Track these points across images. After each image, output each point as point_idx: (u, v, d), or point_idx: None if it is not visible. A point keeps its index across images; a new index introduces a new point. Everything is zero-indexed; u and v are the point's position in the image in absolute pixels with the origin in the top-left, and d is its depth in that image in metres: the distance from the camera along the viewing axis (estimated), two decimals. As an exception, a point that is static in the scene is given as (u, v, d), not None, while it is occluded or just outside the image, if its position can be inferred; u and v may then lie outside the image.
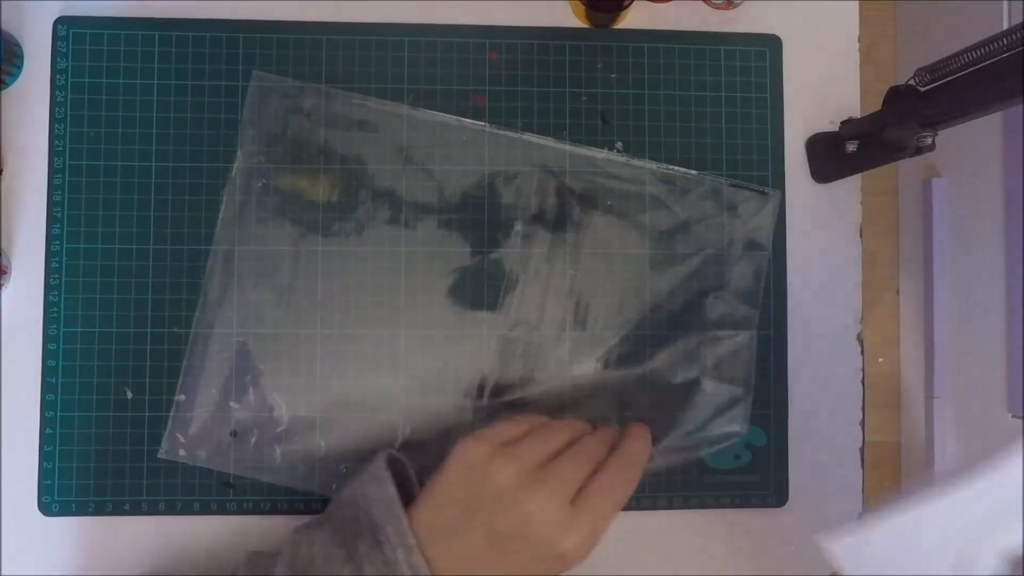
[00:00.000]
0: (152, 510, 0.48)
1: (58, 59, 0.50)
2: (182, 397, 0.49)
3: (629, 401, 0.48)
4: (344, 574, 0.36)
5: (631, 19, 0.52)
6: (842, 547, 0.36)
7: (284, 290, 0.49)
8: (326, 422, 0.49)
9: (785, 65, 0.53)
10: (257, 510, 0.49)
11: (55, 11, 0.50)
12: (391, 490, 0.38)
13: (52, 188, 0.49)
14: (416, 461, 0.43)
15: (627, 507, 0.49)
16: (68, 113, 0.50)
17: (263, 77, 0.49)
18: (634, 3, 0.49)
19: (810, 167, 0.52)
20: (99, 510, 0.48)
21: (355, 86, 0.51)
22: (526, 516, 0.36)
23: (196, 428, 0.48)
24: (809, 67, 0.53)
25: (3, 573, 0.48)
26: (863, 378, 0.53)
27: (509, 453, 0.39)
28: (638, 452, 0.42)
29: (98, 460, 0.48)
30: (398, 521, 0.37)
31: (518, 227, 0.50)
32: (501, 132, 0.50)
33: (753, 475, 0.51)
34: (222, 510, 0.48)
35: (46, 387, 0.49)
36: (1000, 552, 0.32)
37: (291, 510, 0.49)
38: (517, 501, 0.37)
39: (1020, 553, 0.31)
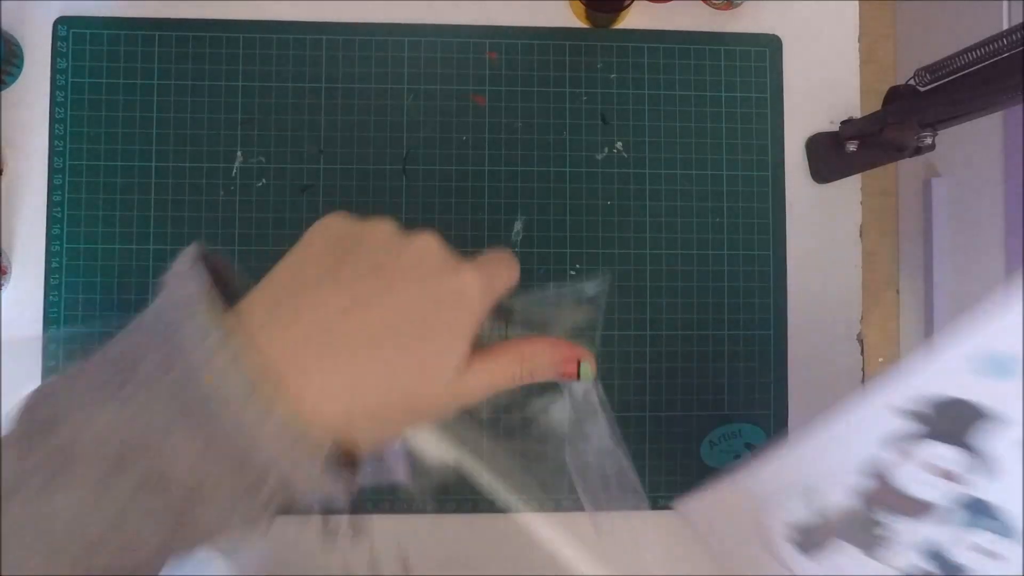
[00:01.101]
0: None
1: (58, 59, 0.50)
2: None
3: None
4: (119, 401, 0.23)
5: (631, 19, 0.52)
6: (688, 507, 0.41)
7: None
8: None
9: (785, 65, 0.53)
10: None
11: (55, 11, 0.50)
12: (200, 278, 0.25)
13: (52, 188, 0.49)
14: None
15: (627, 507, 0.50)
16: (68, 113, 0.50)
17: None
18: (634, 3, 0.49)
19: (810, 167, 0.52)
20: (99, 510, 0.48)
21: (355, 86, 0.51)
22: (412, 251, 0.27)
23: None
24: (809, 67, 0.53)
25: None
26: (863, 378, 0.53)
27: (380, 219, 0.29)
28: (512, 258, 0.29)
29: (98, 460, 0.48)
30: (203, 314, 0.23)
31: None
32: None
33: (753, 475, 0.51)
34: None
35: (46, 387, 0.49)
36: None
37: (291, 510, 0.49)
38: (399, 242, 0.27)
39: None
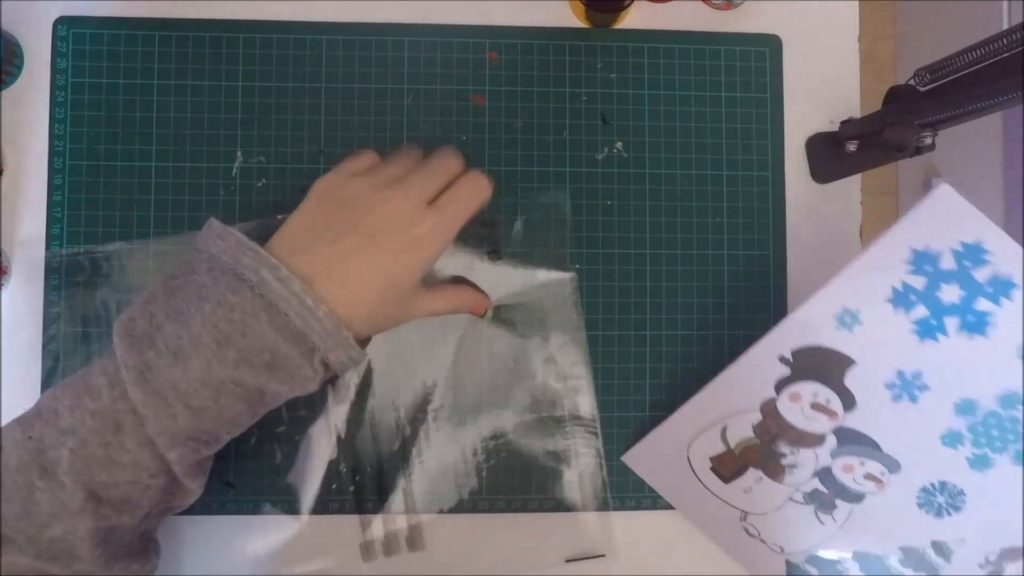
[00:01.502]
0: (152, 510, 0.48)
1: (58, 59, 0.50)
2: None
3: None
4: (205, 310, 0.34)
5: (631, 19, 0.52)
6: (632, 457, 0.49)
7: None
8: (327, 427, 0.49)
9: (785, 65, 0.53)
10: (257, 510, 0.49)
11: (55, 11, 0.50)
12: (238, 235, 0.37)
13: (52, 188, 0.49)
14: None
15: (627, 507, 0.50)
16: (68, 113, 0.50)
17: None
18: (634, 3, 0.49)
19: (810, 167, 0.52)
20: (99, 510, 0.48)
21: (355, 86, 0.51)
22: (384, 212, 0.38)
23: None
24: (809, 67, 0.53)
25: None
26: (863, 378, 0.53)
27: (362, 174, 0.40)
28: (483, 179, 0.43)
29: (98, 460, 0.48)
30: (254, 252, 0.36)
31: None
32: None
33: (753, 475, 0.51)
34: (222, 510, 0.48)
35: (46, 387, 0.48)
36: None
37: (291, 511, 0.49)
38: (374, 203, 0.38)
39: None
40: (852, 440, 0.43)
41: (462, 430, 0.50)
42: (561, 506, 0.50)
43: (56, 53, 0.50)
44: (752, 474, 0.46)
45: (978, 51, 0.38)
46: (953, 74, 0.40)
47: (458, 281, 0.49)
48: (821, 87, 0.53)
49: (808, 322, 0.42)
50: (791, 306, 0.52)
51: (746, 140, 0.52)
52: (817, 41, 0.53)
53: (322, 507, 0.49)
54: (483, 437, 0.50)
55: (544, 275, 0.50)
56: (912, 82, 0.42)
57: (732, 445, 0.46)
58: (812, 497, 0.46)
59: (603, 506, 0.50)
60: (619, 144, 0.51)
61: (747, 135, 0.52)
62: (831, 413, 0.43)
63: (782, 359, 0.43)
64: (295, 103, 0.50)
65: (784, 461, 0.45)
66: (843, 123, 0.50)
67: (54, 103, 0.50)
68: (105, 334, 0.49)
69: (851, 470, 0.44)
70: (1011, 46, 0.36)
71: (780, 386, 0.44)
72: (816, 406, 0.43)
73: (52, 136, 0.50)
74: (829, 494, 0.45)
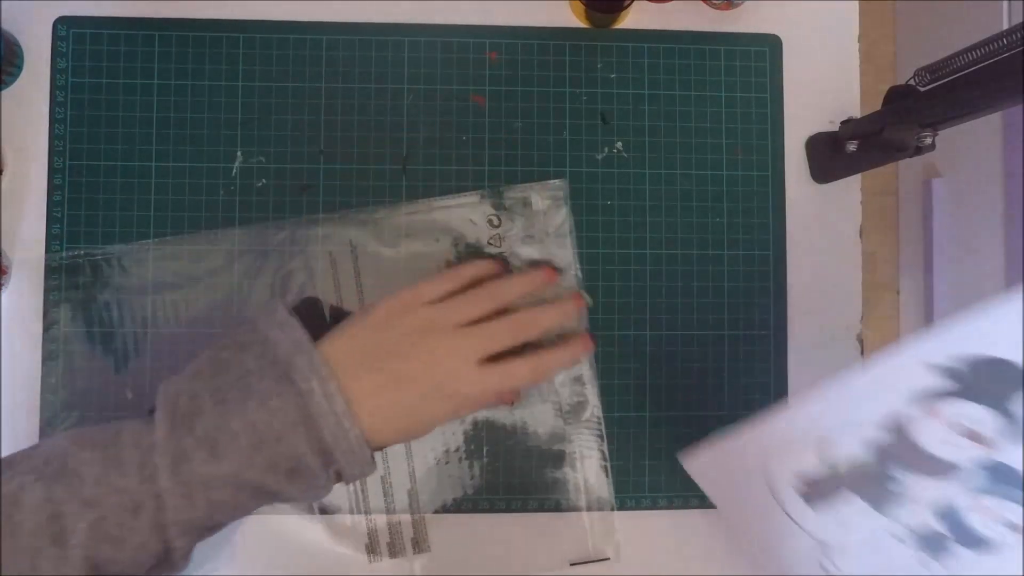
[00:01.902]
0: (152, 510, 0.48)
1: (58, 59, 0.50)
2: (182, 397, 0.49)
3: None
4: (248, 409, 0.34)
5: (631, 19, 0.52)
6: (691, 458, 0.43)
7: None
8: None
9: (785, 65, 0.53)
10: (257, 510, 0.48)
11: (55, 11, 0.50)
12: (300, 330, 0.37)
13: (52, 188, 0.49)
14: None
15: (627, 507, 0.50)
16: (68, 113, 0.50)
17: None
18: (634, 3, 0.49)
19: (810, 167, 0.52)
20: (99, 510, 0.48)
21: (355, 86, 0.51)
22: (431, 361, 0.39)
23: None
24: (809, 67, 0.53)
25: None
26: (863, 378, 0.53)
27: (426, 308, 0.41)
28: (548, 363, 0.43)
29: (98, 460, 0.48)
30: (309, 355, 0.36)
31: None
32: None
33: (753, 475, 0.51)
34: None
35: (46, 387, 0.48)
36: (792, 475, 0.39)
37: (291, 511, 0.49)
38: (427, 346, 0.39)
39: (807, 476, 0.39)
40: (1004, 479, 0.34)
41: (466, 429, 0.50)
42: (564, 506, 0.50)
43: (56, 53, 0.50)
44: (850, 500, 0.38)
45: (978, 51, 0.38)
46: (953, 74, 0.40)
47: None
48: (821, 87, 0.53)
49: (984, 327, 0.32)
50: (791, 306, 0.52)
51: (746, 140, 0.52)
52: (817, 41, 0.53)
53: (326, 507, 0.49)
54: (486, 437, 0.50)
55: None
56: (912, 82, 0.42)
57: (831, 463, 0.39)
58: (922, 537, 0.37)
59: (606, 507, 0.50)
60: (619, 144, 0.51)
61: (747, 135, 0.52)
62: (983, 441, 0.34)
63: (933, 367, 0.34)
64: (295, 103, 0.50)
65: (892, 488, 0.37)
66: (843, 123, 0.50)
67: (54, 103, 0.50)
68: (138, 385, 0.48)
69: (990, 514, 0.35)
70: (1011, 46, 0.36)
71: (920, 400, 0.35)
72: (965, 430, 0.35)
73: (52, 136, 0.50)
74: (948, 537, 0.36)
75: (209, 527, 0.36)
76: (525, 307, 0.44)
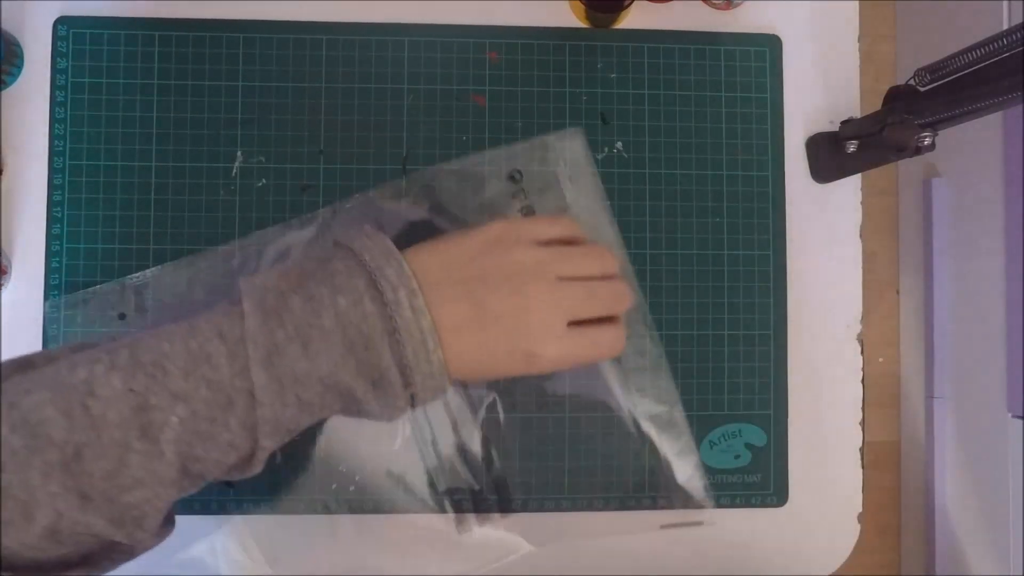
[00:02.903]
0: (152, 510, 0.48)
1: (58, 59, 0.50)
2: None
3: None
4: (339, 305, 0.33)
5: (631, 19, 0.52)
6: None
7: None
8: (327, 426, 0.49)
9: (785, 65, 0.53)
10: (257, 510, 0.49)
11: (55, 11, 0.50)
12: (388, 241, 0.35)
13: (52, 188, 0.49)
14: None
15: (627, 507, 0.50)
16: (68, 113, 0.50)
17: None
18: (634, 3, 0.49)
19: (810, 167, 0.52)
20: (99, 510, 0.48)
21: (355, 86, 0.51)
22: (524, 307, 0.36)
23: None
24: (809, 67, 0.53)
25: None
26: (863, 378, 0.53)
27: (540, 249, 0.37)
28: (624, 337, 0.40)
29: (98, 460, 0.48)
30: (399, 265, 0.34)
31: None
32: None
33: (753, 475, 0.51)
34: (222, 510, 0.48)
35: (46, 387, 0.49)
36: None
37: (292, 510, 0.49)
38: (524, 291, 0.36)
39: None
40: None
41: (546, 420, 0.50)
42: (651, 503, 0.50)
43: (56, 53, 0.50)
44: None
45: (978, 51, 0.38)
46: (953, 74, 0.40)
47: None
48: (821, 87, 0.53)
49: None
50: (791, 306, 0.52)
51: (746, 140, 0.52)
52: (817, 41, 0.53)
53: (409, 506, 0.49)
54: (567, 432, 0.50)
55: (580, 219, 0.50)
56: (912, 82, 0.42)
57: None
58: None
59: (697, 503, 0.50)
60: (619, 144, 0.51)
61: (747, 135, 0.52)
62: None
63: None
64: (295, 103, 0.50)
65: None
66: (843, 123, 0.50)
67: (54, 103, 0.50)
68: (213, 289, 0.47)
69: None
70: (1011, 46, 0.36)
71: None
72: None
73: (52, 136, 0.50)
74: None
75: (291, 429, 0.34)
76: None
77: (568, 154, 0.50)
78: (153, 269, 0.49)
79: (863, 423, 0.53)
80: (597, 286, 0.38)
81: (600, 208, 0.49)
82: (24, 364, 0.33)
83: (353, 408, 0.35)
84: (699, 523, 0.50)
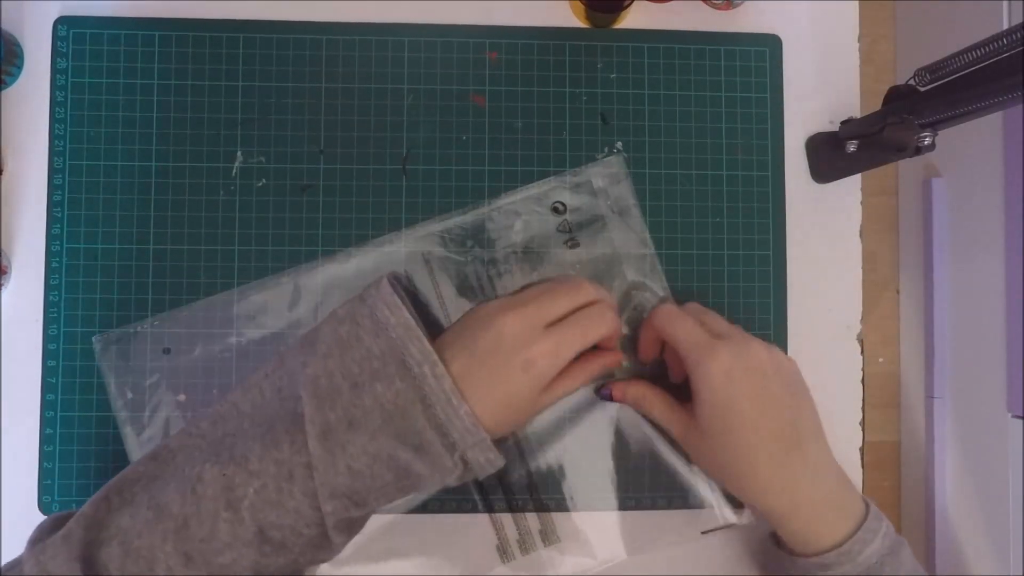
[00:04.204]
0: (152, 510, 0.48)
1: (58, 59, 0.50)
2: (182, 397, 0.49)
3: None
4: (376, 390, 0.39)
5: (631, 19, 0.52)
6: None
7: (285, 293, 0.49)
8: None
9: (785, 65, 0.53)
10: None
11: (55, 11, 0.50)
12: (406, 313, 0.41)
13: (52, 188, 0.49)
14: None
15: (627, 507, 0.50)
16: (68, 113, 0.50)
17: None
18: (634, 3, 0.49)
19: (810, 167, 0.52)
20: (99, 510, 0.48)
21: (355, 86, 0.51)
22: (499, 331, 0.41)
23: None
24: (809, 67, 0.53)
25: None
26: (863, 378, 0.53)
27: (507, 299, 0.44)
28: (610, 312, 0.44)
29: (98, 460, 0.48)
30: (420, 341, 0.40)
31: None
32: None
33: (753, 475, 0.51)
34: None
35: (46, 387, 0.49)
36: None
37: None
38: (495, 323, 0.42)
39: None
40: None
41: (585, 423, 0.50)
42: (689, 503, 0.50)
43: (56, 53, 0.50)
44: None
45: (978, 51, 0.38)
46: (953, 74, 0.40)
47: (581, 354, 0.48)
48: (821, 87, 0.53)
49: None
50: (791, 306, 0.52)
51: (746, 140, 0.52)
52: (817, 41, 0.53)
53: (442, 506, 0.49)
54: (609, 436, 0.50)
55: (624, 253, 0.51)
56: (912, 82, 0.42)
57: None
58: None
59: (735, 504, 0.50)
60: (619, 144, 0.51)
61: (747, 135, 0.52)
62: None
63: None
64: (295, 103, 0.50)
65: None
66: (843, 123, 0.50)
67: (54, 103, 0.50)
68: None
69: None
70: (1011, 46, 0.36)
71: None
72: None
73: (52, 136, 0.50)
74: None
75: (354, 499, 0.39)
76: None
77: (611, 186, 0.51)
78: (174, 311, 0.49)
79: (863, 423, 0.53)
80: (548, 290, 0.43)
81: (639, 241, 0.51)
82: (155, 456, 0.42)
83: (403, 473, 0.40)
84: (733, 524, 0.50)
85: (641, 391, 0.48)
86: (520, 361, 0.41)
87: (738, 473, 0.43)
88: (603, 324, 0.43)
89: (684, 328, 0.45)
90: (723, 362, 0.42)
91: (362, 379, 0.40)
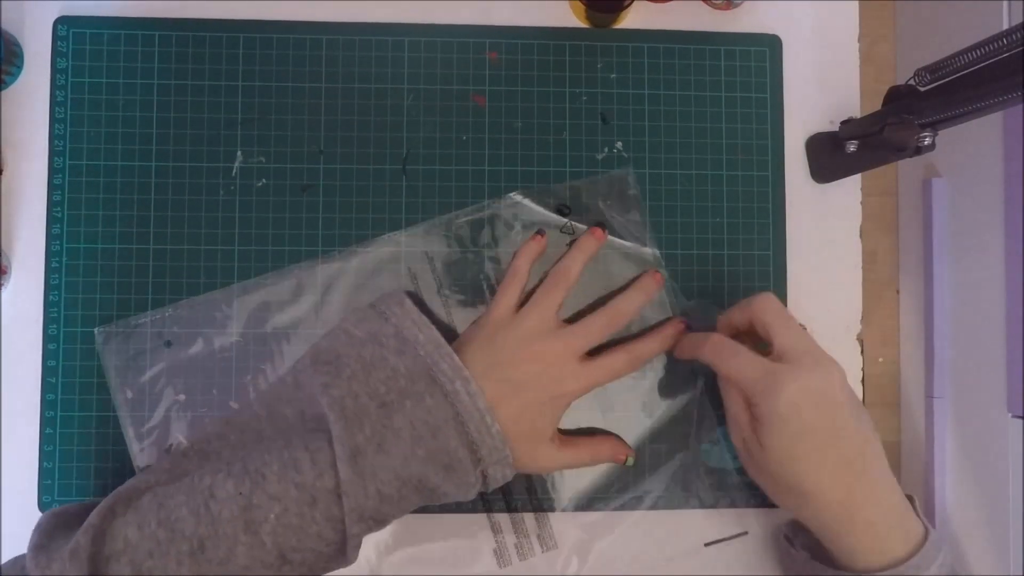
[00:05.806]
0: (152, 510, 0.48)
1: (58, 59, 0.50)
2: (182, 397, 0.49)
3: None
4: (405, 408, 0.39)
5: (631, 19, 0.52)
6: None
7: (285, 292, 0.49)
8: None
9: (785, 65, 0.53)
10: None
11: (55, 11, 0.50)
12: (433, 330, 0.42)
13: (52, 188, 0.49)
14: None
15: (627, 507, 0.50)
16: (68, 113, 0.50)
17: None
18: (634, 3, 0.49)
19: (810, 167, 0.52)
20: (99, 510, 0.48)
21: (355, 86, 0.51)
22: (542, 369, 0.43)
23: (197, 427, 0.48)
24: (809, 67, 0.53)
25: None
26: (863, 378, 0.53)
27: (520, 316, 0.45)
28: (641, 351, 0.46)
29: (98, 460, 0.48)
30: (450, 358, 0.41)
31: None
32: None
33: (753, 475, 0.51)
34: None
35: (46, 387, 0.49)
36: None
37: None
38: (532, 351, 0.43)
39: None
40: None
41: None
42: (690, 503, 0.50)
43: (56, 53, 0.50)
44: None
45: (978, 51, 0.37)
46: (953, 74, 0.40)
47: (594, 432, 0.50)
48: (821, 87, 0.53)
49: None
50: (791, 306, 0.52)
51: (746, 140, 0.52)
52: (817, 41, 0.53)
53: (441, 506, 0.49)
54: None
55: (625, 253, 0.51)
56: (912, 82, 0.42)
57: None
58: None
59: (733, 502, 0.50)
60: (619, 144, 0.51)
61: (747, 135, 0.52)
62: None
63: None
64: (295, 103, 0.50)
65: None
66: (843, 123, 0.50)
67: (54, 103, 0.50)
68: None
69: None
70: (1011, 46, 0.36)
71: None
72: None
73: (52, 136, 0.50)
74: None
75: (377, 519, 0.39)
76: (612, 297, 0.47)
77: (615, 197, 0.51)
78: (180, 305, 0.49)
79: (863, 423, 0.53)
80: (593, 319, 0.45)
81: (641, 242, 0.51)
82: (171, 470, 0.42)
83: (428, 494, 0.40)
84: (744, 533, 0.50)
85: (735, 353, 0.43)
86: (556, 395, 0.43)
87: (800, 492, 0.41)
88: (634, 364, 0.46)
89: (739, 365, 0.42)
90: (790, 395, 0.39)
91: (389, 398, 0.40)
